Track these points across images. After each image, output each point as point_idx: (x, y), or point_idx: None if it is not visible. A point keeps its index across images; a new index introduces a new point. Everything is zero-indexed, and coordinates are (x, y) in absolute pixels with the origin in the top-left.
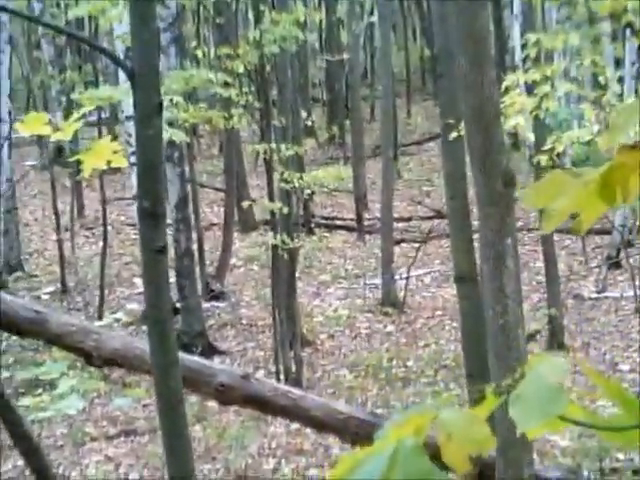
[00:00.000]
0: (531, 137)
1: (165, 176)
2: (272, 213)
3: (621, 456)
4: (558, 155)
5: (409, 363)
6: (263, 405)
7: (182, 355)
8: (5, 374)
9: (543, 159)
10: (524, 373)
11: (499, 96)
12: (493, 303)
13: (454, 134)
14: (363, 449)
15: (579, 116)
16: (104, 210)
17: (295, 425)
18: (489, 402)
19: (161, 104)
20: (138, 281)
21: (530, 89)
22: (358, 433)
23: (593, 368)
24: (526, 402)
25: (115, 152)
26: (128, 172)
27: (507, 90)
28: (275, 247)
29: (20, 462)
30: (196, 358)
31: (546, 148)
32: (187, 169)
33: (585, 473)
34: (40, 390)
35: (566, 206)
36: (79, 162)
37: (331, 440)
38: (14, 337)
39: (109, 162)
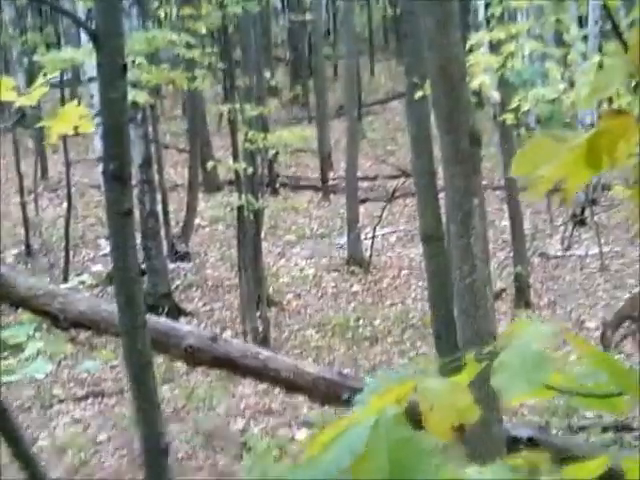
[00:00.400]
0: (496, 96)
1: (128, 137)
2: (236, 173)
3: (589, 414)
4: (523, 113)
5: (376, 322)
6: (232, 366)
7: (150, 317)
8: None
9: (509, 118)
10: (504, 339)
11: (464, 56)
12: (460, 263)
13: (419, 93)
14: (342, 420)
15: (543, 74)
16: (68, 172)
17: (264, 385)
18: (470, 369)
19: (125, 66)
20: (103, 243)
21: (494, 48)
22: (327, 393)
23: (574, 334)
24: (510, 369)
25: (82, 117)
26: (92, 134)
27: (472, 49)
28: (240, 208)
29: None
30: (164, 320)
31: (512, 107)
32: (150, 130)
33: (554, 431)
34: (6, 354)
35: (552, 173)
36: (44, 128)
37: (300, 399)
38: None
39: (76, 128)
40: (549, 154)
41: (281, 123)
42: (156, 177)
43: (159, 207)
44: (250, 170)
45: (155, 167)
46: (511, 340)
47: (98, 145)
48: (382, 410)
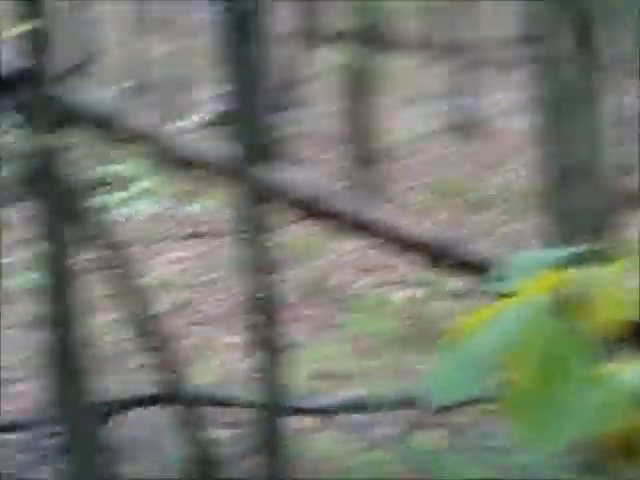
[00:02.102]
0: None
1: None
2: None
3: None
4: None
5: (486, 189)
6: (341, 220)
7: (263, 165)
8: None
9: None
10: None
11: None
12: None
13: None
14: (485, 309)
15: None
16: None
17: (365, 242)
18: (627, 260)
19: None
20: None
21: None
22: (436, 256)
23: None
24: None
25: None
26: None
27: None
28: (353, 63)
29: None
30: (276, 168)
31: None
32: None
33: None
34: (110, 189)
35: None
36: None
37: (402, 259)
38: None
39: None
40: None
41: None
42: None
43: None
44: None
45: None
46: None
47: None
48: (536, 298)
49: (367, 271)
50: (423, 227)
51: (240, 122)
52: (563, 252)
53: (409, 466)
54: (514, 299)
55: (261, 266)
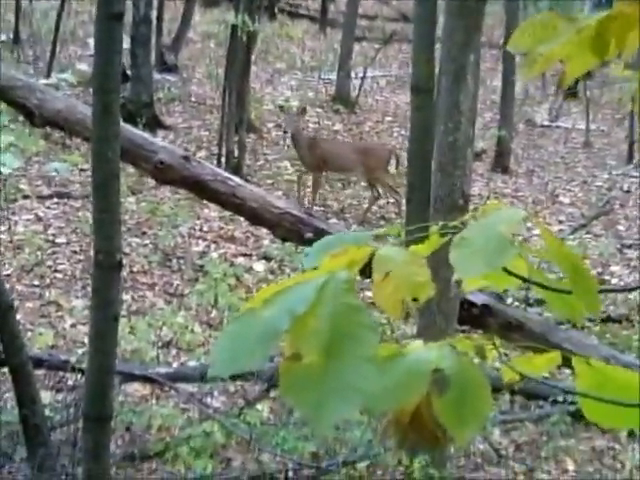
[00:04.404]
0: None
1: None
2: None
3: None
4: None
5: None
6: (200, 189)
7: (125, 127)
8: None
9: None
10: (469, 216)
11: None
12: (446, 119)
13: None
14: (292, 278)
15: None
16: None
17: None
18: (432, 242)
19: None
20: (92, 42)
21: None
22: (291, 230)
23: (548, 228)
24: (471, 247)
25: None
26: None
27: None
28: (235, 27)
29: None
30: (139, 132)
31: None
32: None
33: (509, 300)
34: None
35: (553, 52)
36: None
37: (263, 231)
38: None
39: None
40: (554, 32)
41: None
42: None
43: (154, 13)
44: None
45: None
46: (478, 218)
47: None
48: (332, 273)
49: (229, 240)
50: (282, 201)
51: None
52: (374, 231)
53: (239, 438)
54: (312, 272)
55: (109, 229)
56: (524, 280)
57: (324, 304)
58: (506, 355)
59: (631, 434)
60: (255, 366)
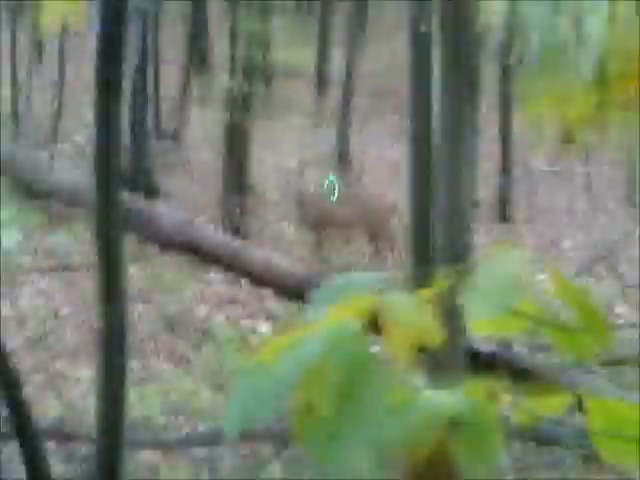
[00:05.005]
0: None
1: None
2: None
3: None
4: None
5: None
6: (202, 252)
7: (125, 194)
8: None
9: None
10: (475, 261)
11: None
12: (446, 169)
13: None
14: (297, 329)
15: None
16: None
17: (232, 274)
18: (438, 286)
19: None
20: (85, 112)
21: None
22: (295, 290)
23: (556, 268)
24: (482, 289)
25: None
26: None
27: None
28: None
29: None
30: (138, 198)
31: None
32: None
33: (517, 347)
34: None
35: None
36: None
37: (267, 292)
38: None
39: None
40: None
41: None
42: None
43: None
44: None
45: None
46: (487, 262)
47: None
48: (340, 323)
49: (233, 302)
50: (284, 261)
51: (108, 152)
52: (378, 277)
53: None
54: (320, 323)
55: (114, 298)
56: (535, 321)
57: (334, 355)
58: (516, 400)
59: None
60: (267, 420)
